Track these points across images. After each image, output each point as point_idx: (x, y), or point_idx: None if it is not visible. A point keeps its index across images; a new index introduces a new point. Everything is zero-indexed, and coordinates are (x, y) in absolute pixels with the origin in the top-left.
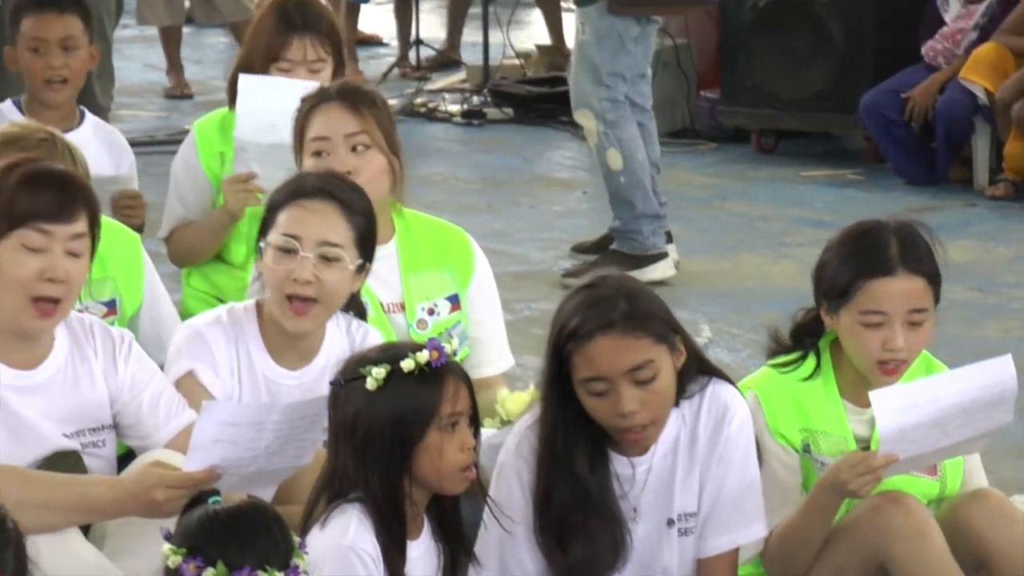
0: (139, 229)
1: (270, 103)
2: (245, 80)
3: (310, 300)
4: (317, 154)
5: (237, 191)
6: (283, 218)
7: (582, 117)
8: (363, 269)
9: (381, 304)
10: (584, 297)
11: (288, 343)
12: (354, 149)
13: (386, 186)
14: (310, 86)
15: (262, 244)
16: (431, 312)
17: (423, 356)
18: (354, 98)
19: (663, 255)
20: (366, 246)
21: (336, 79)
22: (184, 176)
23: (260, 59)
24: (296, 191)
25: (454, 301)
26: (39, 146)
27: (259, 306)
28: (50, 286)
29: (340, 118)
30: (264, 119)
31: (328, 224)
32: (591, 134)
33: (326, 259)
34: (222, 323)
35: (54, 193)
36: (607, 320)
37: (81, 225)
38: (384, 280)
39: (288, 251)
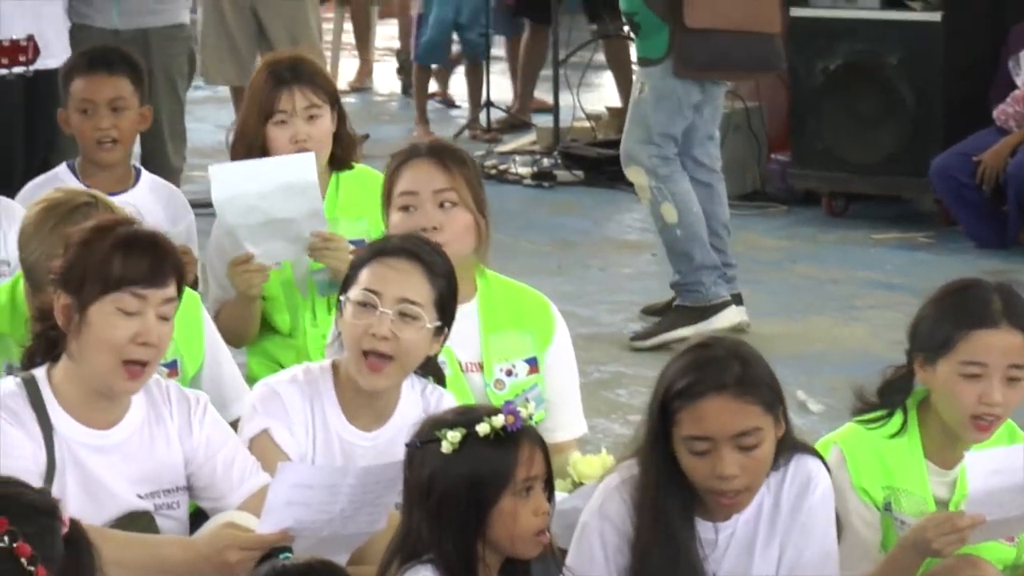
0: (192, 286)
1: (244, 188)
2: (215, 171)
3: (386, 357)
4: (404, 208)
5: (241, 274)
6: (365, 274)
7: (633, 174)
8: (441, 332)
9: (459, 363)
10: (697, 356)
11: (363, 403)
12: (441, 205)
13: (470, 245)
14: (278, 162)
15: (342, 299)
16: (509, 373)
17: (499, 420)
18: (444, 155)
19: (727, 303)
20: (446, 309)
21: (338, 129)
22: (215, 253)
23: (255, 119)
24: (380, 250)
25: (532, 364)
26: (80, 209)
27: (335, 366)
28: (142, 349)
29: (429, 174)
30: (243, 203)
31: (409, 282)
32: (643, 190)
33: (404, 316)
34: (298, 382)
35: (149, 258)
36: (720, 382)
37: (172, 290)
38: (463, 339)
39: (367, 306)
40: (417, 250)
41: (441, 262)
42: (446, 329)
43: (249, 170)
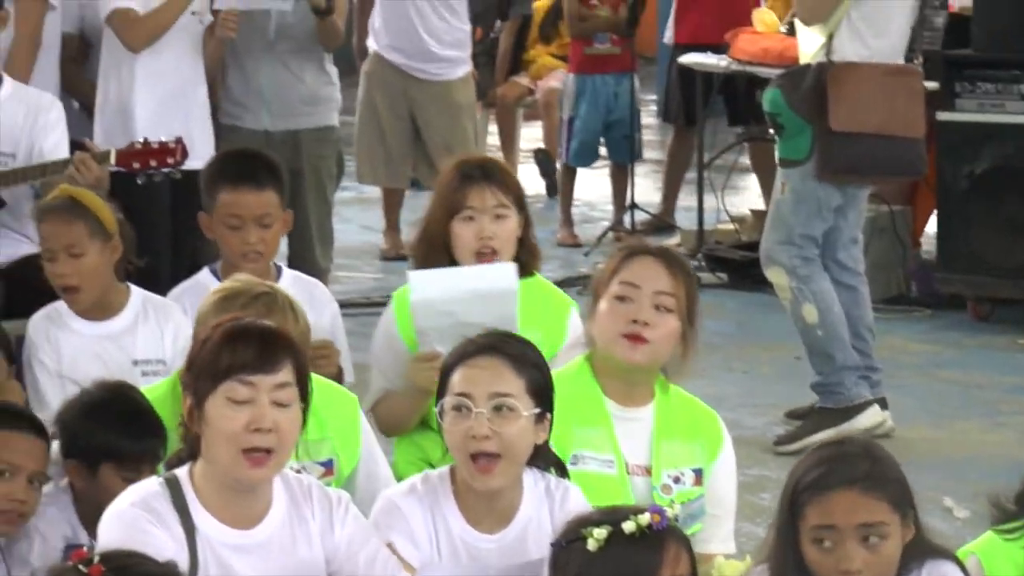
0: (335, 379)
1: (441, 293)
2: (413, 276)
3: (493, 455)
4: (620, 298)
5: (424, 370)
6: (454, 380)
7: (773, 275)
8: (543, 418)
9: (626, 464)
10: (829, 452)
11: (484, 505)
12: (657, 308)
13: (669, 352)
14: (478, 271)
15: (438, 410)
16: (676, 480)
17: (645, 518)
18: (673, 260)
19: (869, 403)
20: (542, 395)
21: (524, 234)
22: (384, 346)
23: (443, 215)
24: (463, 353)
25: (698, 474)
26: (259, 300)
27: (453, 472)
28: (258, 436)
29: (655, 272)
30: (438, 308)
31: (498, 377)
32: (783, 290)
33: (500, 410)
34: (416, 492)
35: (255, 344)
36: (849, 476)
37: (285, 375)
38: (634, 442)
39: (462, 409)
40: (500, 345)
41: (528, 351)
42: (548, 415)
43: (447, 277)
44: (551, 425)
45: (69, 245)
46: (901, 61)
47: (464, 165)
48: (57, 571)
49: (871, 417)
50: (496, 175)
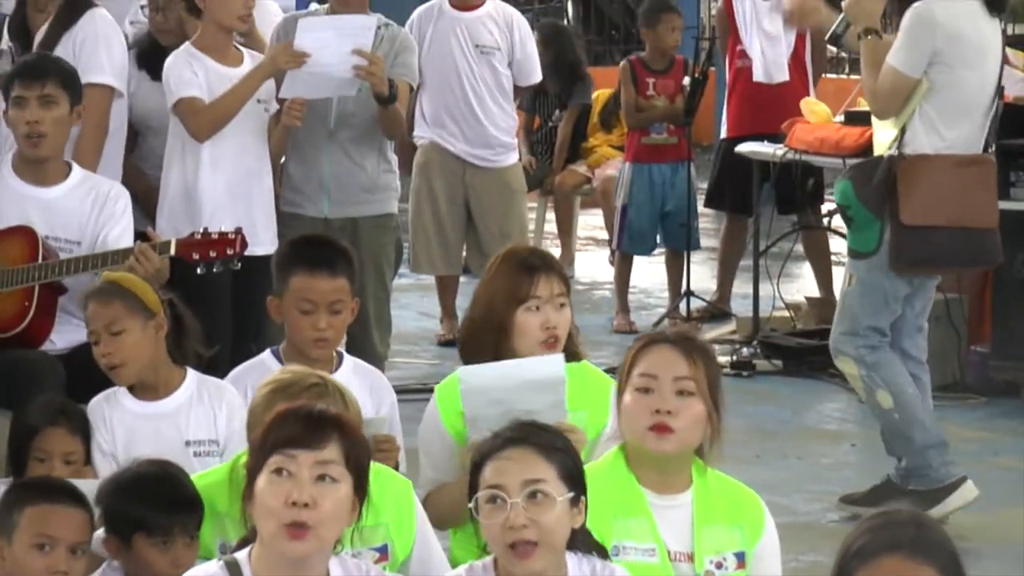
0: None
1: (492, 383)
2: (464, 371)
3: (531, 543)
4: (642, 390)
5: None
6: (485, 475)
7: (843, 364)
8: (578, 502)
9: (668, 551)
10: (876, 521)
11: None
12: (679, 393)
13: (698, 436)
14: (528, 363)
15: (471, 506)
16: (719, 566)
17: None
18: (688, 344)
19: (961, 480)
20: (574, 480)
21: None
22: (431, 441)
23: (504, 303)
24: (491, 448)
25: (741, 559)
26: (310, 390)
27: (497, 561)
28: (295, 511)
29: (671, 360)
30: (489, 398)
31: (527, 465)
32: (855, 379)
33: (534, 497)
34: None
35: (300, 422)
36: (895, 542)
37: (329, 453)
38: (675, 529)
39: (497, 501)
40: (527, 435)
41: (554, 439)
42: (582, 498)
43: (497, 368)
44: (587, 508)
45: (108, 324)
46: (978, 151)
47: (523, 255)
48: None
49: (964, 496)
50: (555, 265)
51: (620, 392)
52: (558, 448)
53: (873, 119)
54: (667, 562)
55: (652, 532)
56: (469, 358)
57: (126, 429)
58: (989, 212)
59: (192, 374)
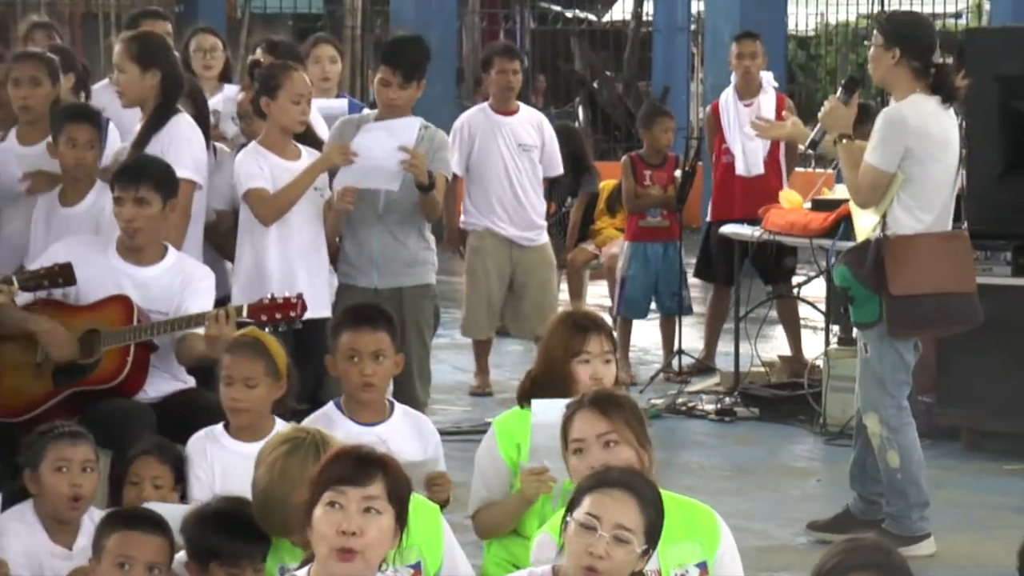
0: (445, 503)
1: (558, 420)
2: (536, 404)
3: (596, 573)
4: (577, 451)
5: (533, 482)
6: (588, 500)
7: (869, 420)
8: (646, 554)
9: (644, 572)
10: (847, 545)
11: None
12: (607, 445)
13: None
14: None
15: (568, 519)
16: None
17: None
18: (603, 404)
19: (928, 535)
20: (653, 537)
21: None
22: (487, 465)
23: (561, 357)
24: (602, 480)
25: (703, 568)
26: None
27: (555, 571)
28: (344, 538)
29: (592, 421)
30: (555, 431)
31: (624, 510)
32: (875, 436)
33: (619, 540)
34: None
35: (350, 462)
36: (864, 563)
37: (375, 489)
38: None
39: (588, 528)
40: (633, 483)
41: (652, 494)
42: (651, 551)
43: (563, 406)
44: (649, 559)
45: (247, 377)
46: (949, 228)
47: (578, 317)
48: None
49: (925, 548)
50: (604, 326)
51: (565, 454)
52: (654, 505)
53: (852, 208)
54: None
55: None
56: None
57: (224, 464)
58: (968, 279)
59: (279, 422)
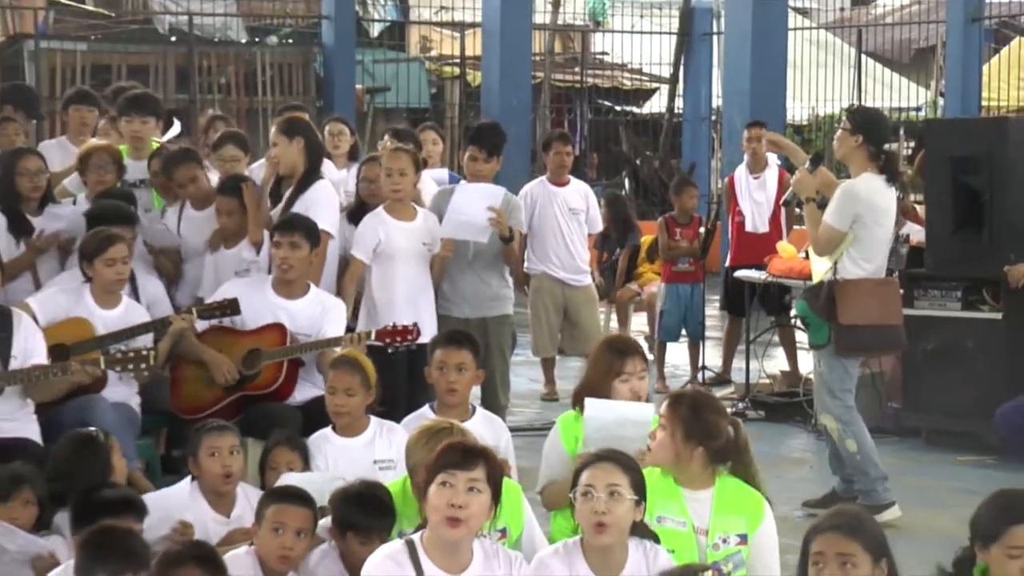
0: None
1: (605, 416)
2: (589, 403)
3: (604, 525)
4: (585, 495)
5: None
6: (583, 476)
7: (825, 419)
8: (639, 504)
9: (695, 526)
10: (834, 511)
11: (602, 559)
12: (612, 495)
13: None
14: (629, 406)
15: (571, 495)
16: (724, 541)
17: (708, 573)
18: (614, 459)
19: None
20: (639, 490)
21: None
22: (552, 453)
23: (606, 376)
24: (589, 460)
25: (743, 539)
26: (443, 433)
27: (582, 540)
28: (453, 510)
29: (605, 471)
30: (600, 424)
31: (611, 474)
32: (833, 430)
33: (612, 495)
34: (559, 553)
35: (460, 452)
36: (836, 523)
37: (478, 473)
38: (699, 512)
39: (588, 495)
40: (612, 455)
41: (630, 461)
42: (643, 503)
43: (612, 407)
44: (644, 510)
45: (348, 387)
46: (883, 275)
47: (619, 343)
48: None
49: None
50: (639, 350)
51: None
52: (632, 467)
53: (811, 254)
54: (692, 531)
55: (683, 511)
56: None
57: (333, 455)
58: (897, 314)
59: (373, 419)
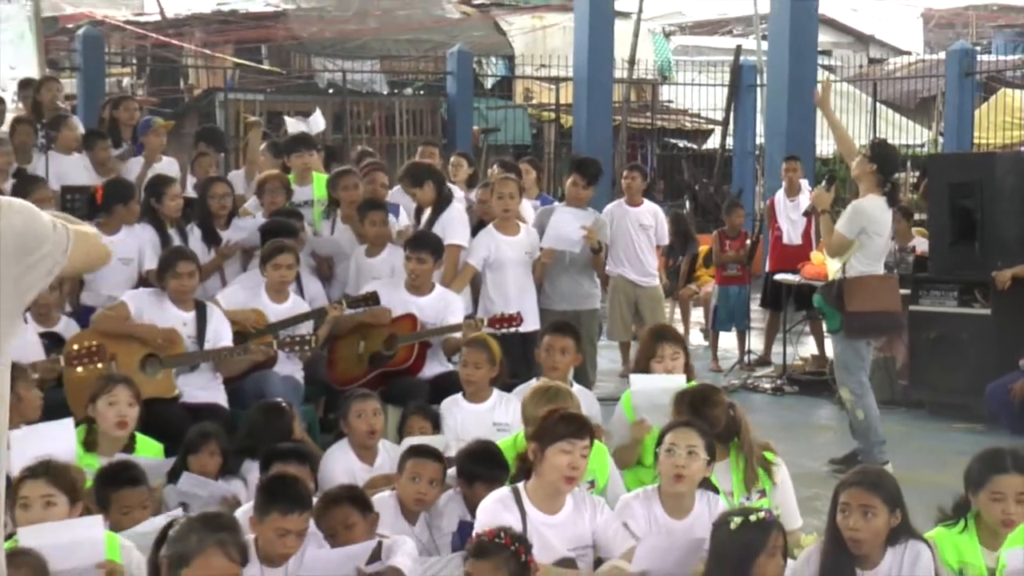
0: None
1: (647, 387)
2: (634, 378)
3: (683, 477)
4: (668, 451)
5: (636, 427)
6: (668, 436)
7: (842, 391)
8: (710, 464)
9: (723, 491)
10: (860, 469)
11: (676, 502)
12: (690, 453)
13: (703, 472)
14: (667, 377)
15: (658, 451)
16: (748, 499)
17: (761, 514)
18: (696, 424)
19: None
20: (711, 450)
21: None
22: (617, 422)
23: (646, 357)
24: (673, 425)
25: (763, 493)
26: (551, 392)
27: (659, 488)
28: (571, 471)
29: (686, 435)
30: (646, 394)
31: (691, 437)
32: (847, 400)
33: (691, 454)
34: (639, 497)
35: (577, 424)
36: (861, 479)
37: (587, 442)
38: (723, 480)
39: (671, 452)
40: (691, 422)
41: (705, 427)
42: (711, 461)
43: (652, 380)
44: (712, 468)
45: (476, 362)
46: (882, 271)
47: (657, 330)
48: None
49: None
50: (674, 335)
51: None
52: (707, 432)
53: (827, 257)
54: (723, 496)
55: (711, 479)
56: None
57: (462, 418)
58: (895, 302)
59: (496, 390)
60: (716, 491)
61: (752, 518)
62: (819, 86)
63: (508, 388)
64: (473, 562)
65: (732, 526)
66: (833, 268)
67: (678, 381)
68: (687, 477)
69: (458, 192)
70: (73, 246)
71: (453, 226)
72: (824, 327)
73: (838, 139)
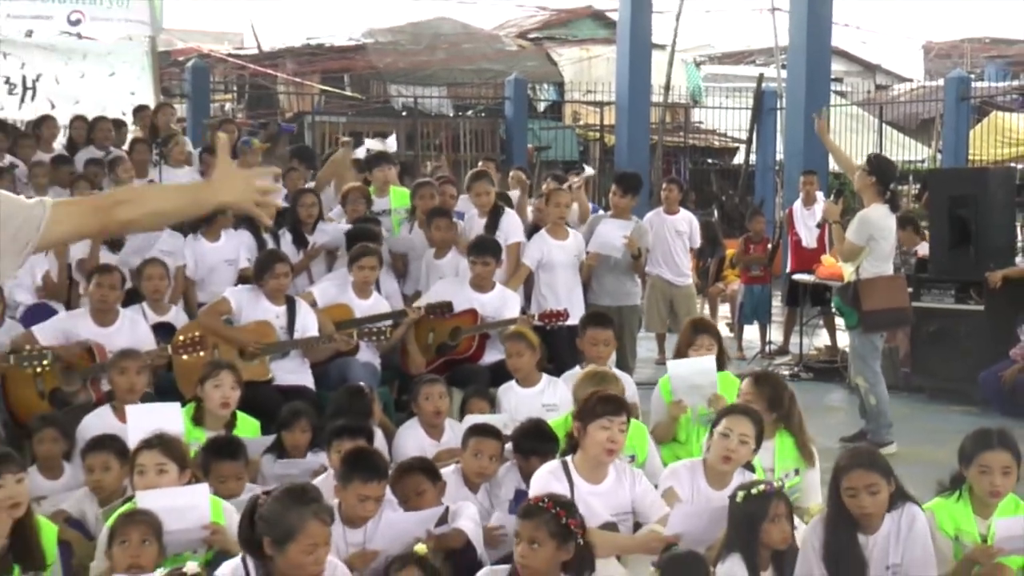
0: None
1: (684, 370)
2: (671, 363)
3: (732, 459)
4: (724, 435)
5: (673, 407)
6: (724, 421)
7: (858, 379)
8: (756, 451)
9: (763, 467)
10: (852, 451)
11: (717, 476)
12: (743, 442)
13: (749, 457)
14: (701, 360)
15: (715, 430)
16: (786, 476)
17: (762, 487)
18: (750, 413)
19: (892, 443)
20: (759, 439)
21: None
22: (657, 401)
23: (685, 346)
24: (730, 409)
25: (797, 471)
26: (597, 375)
27: (705, 460)
28: (611, 444)
29: (741, 423)
30: (682, 376)
31: (744, 425)
32: (862, 387)
33: (742, 442)
34: (685, 467)
35: (615, 403)
36: (859, 461)
37: (623, 418)
38: (765, 457)
39: (725, 436)
40: (748, 410)
41: (757, 416)
42: (757, 448)
43: (687, 364)
44: (757, 452)
45: (518, 352)
46: (891, 272)
47: (695, 322)
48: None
49: (891, 449)
50: (709, 328)
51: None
52: (759, 421)
53: (841, 261)
54: (762, 471)
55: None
56: None
57: (516, 403)
58: (904, 299)
59: (544, 375)
60: (752, 470)
61: (754, 491)
62: (816, 121)
63: (556, 373)
64: (520, 521)
65: (739, 499)
66: (848, 271)
67: (709, 362)
68: (735, 460)
69: (515, 197)
70: (47, 225)
71: (511, 229)
72: (843, 323)
73: (837, 160)
